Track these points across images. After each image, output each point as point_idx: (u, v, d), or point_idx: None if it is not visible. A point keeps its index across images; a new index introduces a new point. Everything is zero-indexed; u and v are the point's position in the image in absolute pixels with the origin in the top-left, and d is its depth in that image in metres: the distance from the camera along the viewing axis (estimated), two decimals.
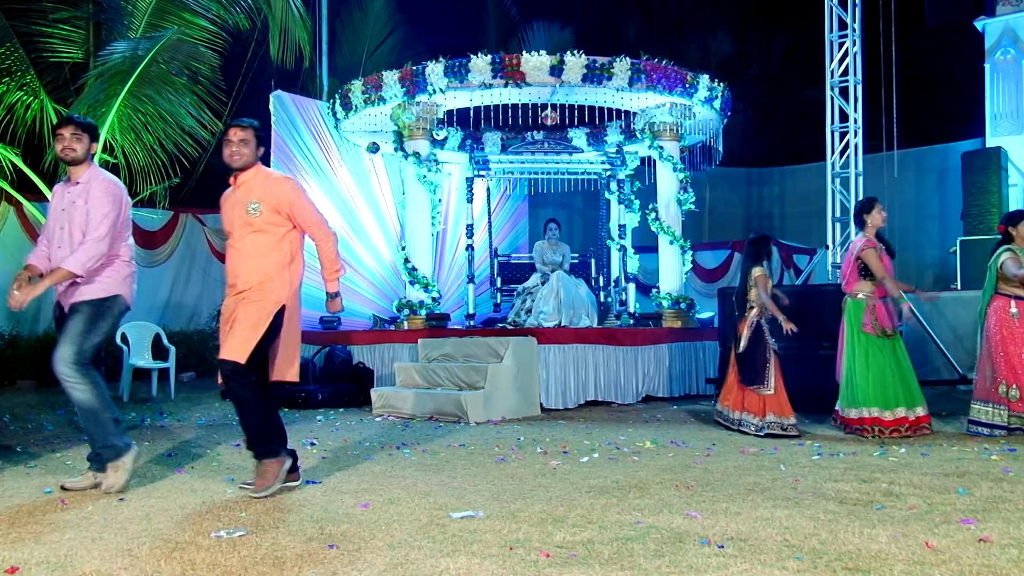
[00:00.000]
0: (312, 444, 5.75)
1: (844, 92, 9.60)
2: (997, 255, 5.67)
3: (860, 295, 5.75)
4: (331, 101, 10.07)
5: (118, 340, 9.08)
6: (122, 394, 8.83)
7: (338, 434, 6.36)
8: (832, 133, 9.64)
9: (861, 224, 5.82)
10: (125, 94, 8.52)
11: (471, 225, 9.77)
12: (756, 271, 5.98)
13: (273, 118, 10.15)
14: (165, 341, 9.42)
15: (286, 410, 8.00)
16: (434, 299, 9.40)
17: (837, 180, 9.66)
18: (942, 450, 5.16)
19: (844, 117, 9.64)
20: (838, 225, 9.71)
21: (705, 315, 10.31)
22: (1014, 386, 5.50)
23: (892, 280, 5.70)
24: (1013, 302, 5.56)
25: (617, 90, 8.78)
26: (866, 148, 9.79)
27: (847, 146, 9.61)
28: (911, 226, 12.58)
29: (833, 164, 9.63)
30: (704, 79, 9.23)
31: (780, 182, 15.07)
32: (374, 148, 10.34)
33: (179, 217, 12.38)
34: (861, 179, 9.48)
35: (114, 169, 8.78)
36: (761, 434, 5.80)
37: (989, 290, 5.68)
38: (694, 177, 10.13)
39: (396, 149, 9.71)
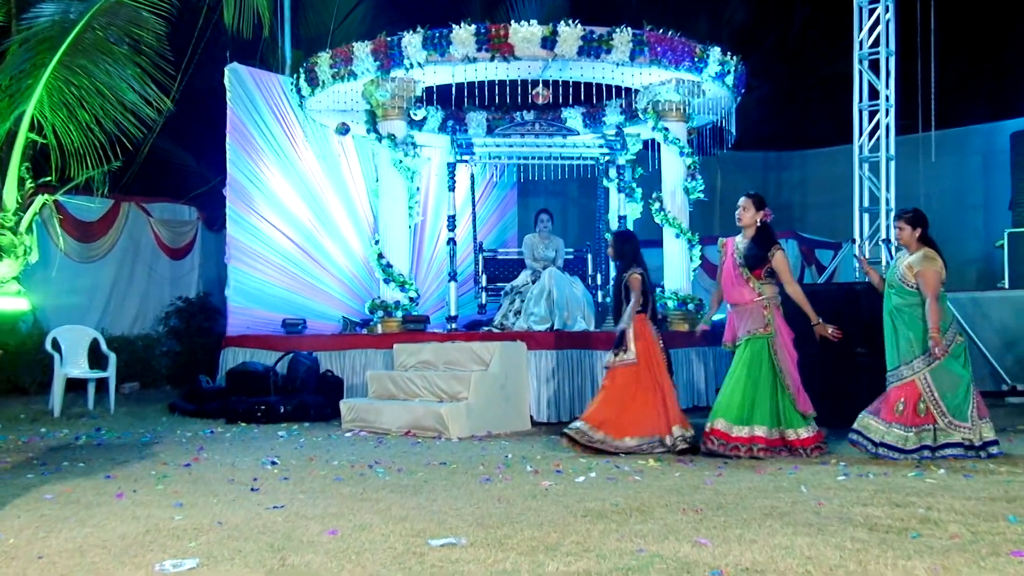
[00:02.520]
0: (273, 463, 5.75)
1: (874, 65, 9.63)
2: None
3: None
4: (295, 76, 10.03)
5: (48, 347, 9.03)
6: (52, 408, 8.78)
7: (302, 452, 6.36)
8: (860, 112, 9.66)
9: None
10: (55, 64, 8.44)
11: (453, 216, 9.77)
12: (635, 274, 6.23)
13: (228, 95, 10.12)
14: (104, 347, 9.37)
15: (243, 425, 7.98)
16: (411, 299, 9.41)
17: (865, 165, 9.69)
18: (988, 472, 5.18)
19: (874, 94, 9.66)
20: (866, 216, 9.72)
21: (718, 316, 10.32)
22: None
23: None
24: None
25: (617, 65, 8.79)
26: (899, 129, 9.81)
27: (877, 127, 9.63)
28: (951, 217, 12.57)
29: (861, 147, 9.65)
30: (715, 52, 9.26)
31: (801, 168, 15.12)
32: (344, 130, 10.31)
33: (120, 206, 12.30)
34: (893, 164, 9.51)
35: (44, 151, 8.72)
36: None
37: None
38: (703, 162, 10.15)
39: (368, 131, 9.70)
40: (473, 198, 10.46)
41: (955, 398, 5.65)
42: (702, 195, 9.78)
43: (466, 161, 9.90)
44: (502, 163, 11.07)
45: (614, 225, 10.13)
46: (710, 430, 5.91)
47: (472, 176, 10.37)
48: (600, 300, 9.88)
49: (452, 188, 9.79)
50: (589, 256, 10.44)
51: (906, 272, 5.80)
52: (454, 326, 9.43)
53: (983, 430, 5.68)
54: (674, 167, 9.74)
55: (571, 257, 10.31)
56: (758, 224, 6.03)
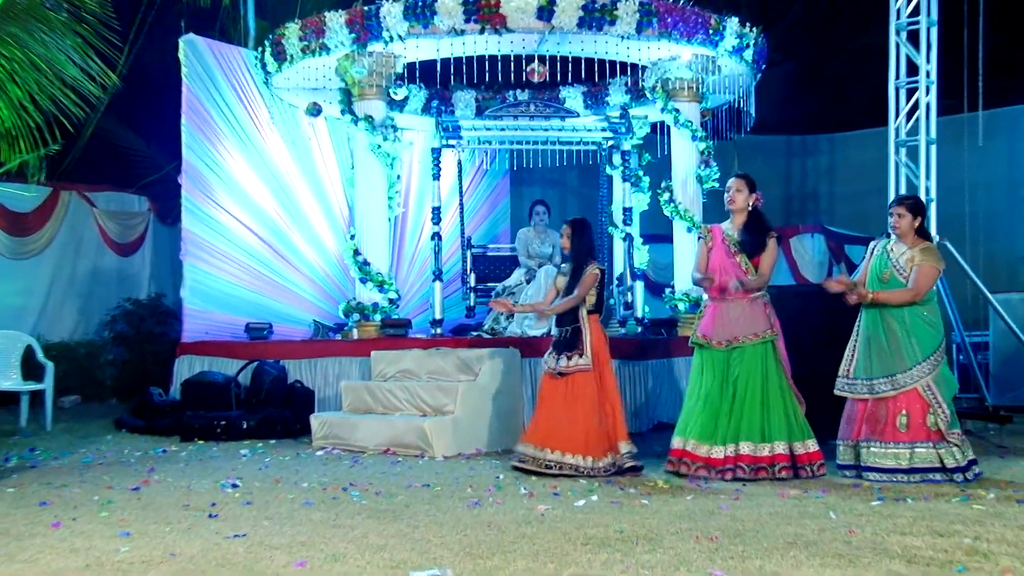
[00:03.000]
0: (234, 486, 5.74)
1: (913, 37, 9.62)
2: None
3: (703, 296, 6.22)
4: (259, 49, 10.03)
5: None
6: None
7: (268, 472, 6.35)
8: (897, 90, 9.66)
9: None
10: None
11: (438, 208, 9.76)
12: (595, 270, 6.28)
13: (184, 70, 10.08)
14: (40, 356, 9.32)
15: (200, 443, 7.97)
16: (391, 301, 9.41)
17: (903, 150, 9.69)
18: None
19: (913, 69, 9.65)
20: None
21: None
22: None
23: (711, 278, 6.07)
24: None
25: (622, 38, 8.79)
26: (941, 109, 9.78)
27: (916, 106, 9.61)
28: (1002, 208, 12.54)
29: (898, 130, 9.64)
30: (732, 24, 9.28)
31: (829, 153, 15.15)
32: (315, 110, 10.29)
33: (60, 196, 12.24)
34: (934, 148, 9.51)
35: None
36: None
37: None
38: (719, 148, 10.15)
39: (343, 112, 9.70)
40: (460, 188, 10.46)
41: (950, 407, 5.82)
42: (717, 184, 9.76)
43: (452, 146, 9.89)
44: (493, 148, 11.06)
45: (618, 218, 10.13)
46: (735, 455, 5.87)
47: (459, 163, 10.37)
48: (604, 301, 9.89)
49: (437, 176, 9.77)
50: None
51: (907, 265, 5.90)
52: (439, 331, 9.43)
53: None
54: (686, 153, 9.75)
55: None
56: (749, 209, 6.14)
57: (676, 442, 6.05)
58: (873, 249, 6.12)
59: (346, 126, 9.83)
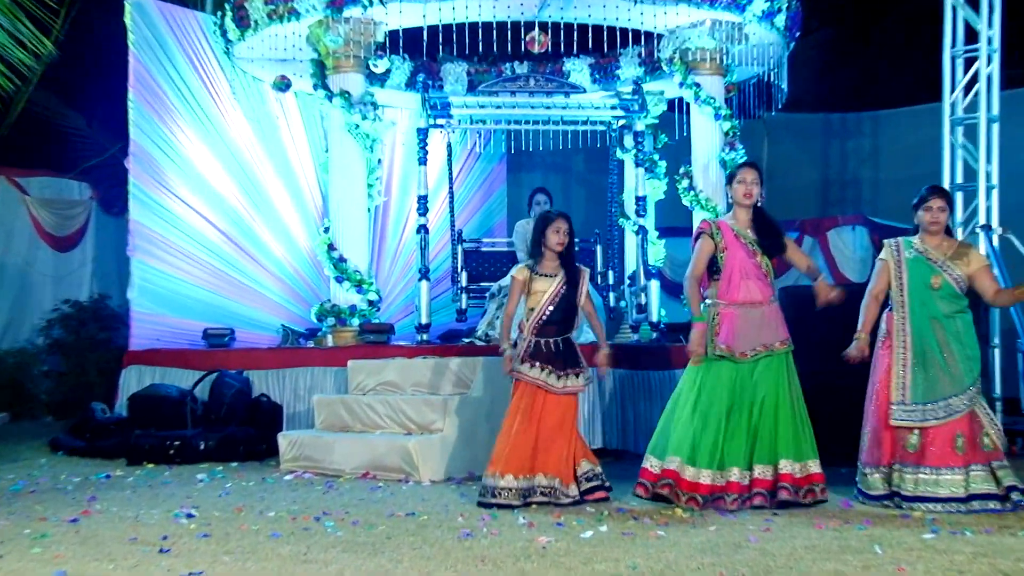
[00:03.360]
0: (189, 516, 5.73)
1: None
2: None
3: (707, 301, 6.20)
4: (219, 14, 10.01)
5: None
6: None
7: (228, 500, 6.34)
8: (953, 60, 9.63)
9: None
10: None
11: (424, 197, 9.74)
12: (514, 268, 6.39)
13: (131, 36, 10.07)
14: None
15: (150, 466, 7.97)
16: (371, 303, 9.42)
17: (959, 129, 9.66)
18: None
19: (972, 36, 9.60)
20: (960, 195, 9.72)
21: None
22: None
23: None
24: (886, 315, 6.10)
25: (635, 2, 8.82)
26: (1004, 81, 9.75)
27: (975, 79, 9.57)
28: None
29: (953, 106, 9.62)
30: None
31: (872, 134, 15.14)
32: (283, 85, 10.28)
33: None
34: (996, 128, 9.47)
35: None
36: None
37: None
38: (745, 127, 10.16)
39: (316, 86, 9.70)
40: (450, 174, 10.47)
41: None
42: None
43: (441, 126, 9.86)
44: (487, 129, 11.03)
45: (631, 208, 10.13)
46: (774, 476, 5.92)
47: (449, 146, 10.36)
48: (613, 304, 9.89)
49: (423, 161, 9.76)
50: (599, 248, 10.45)
51: (968, 269, 6.00)
52: (426, 337, 9.42)
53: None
54: (708, 134, 9.77)
55: (576, 249, 10.26)
56: (756, 204, 6.28)
57: (673, 463, 5.96)
58: (895, 255, 6.11)
59: (319, 103, 9.81)
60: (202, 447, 8.22)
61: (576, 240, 10.28)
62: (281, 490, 6.80)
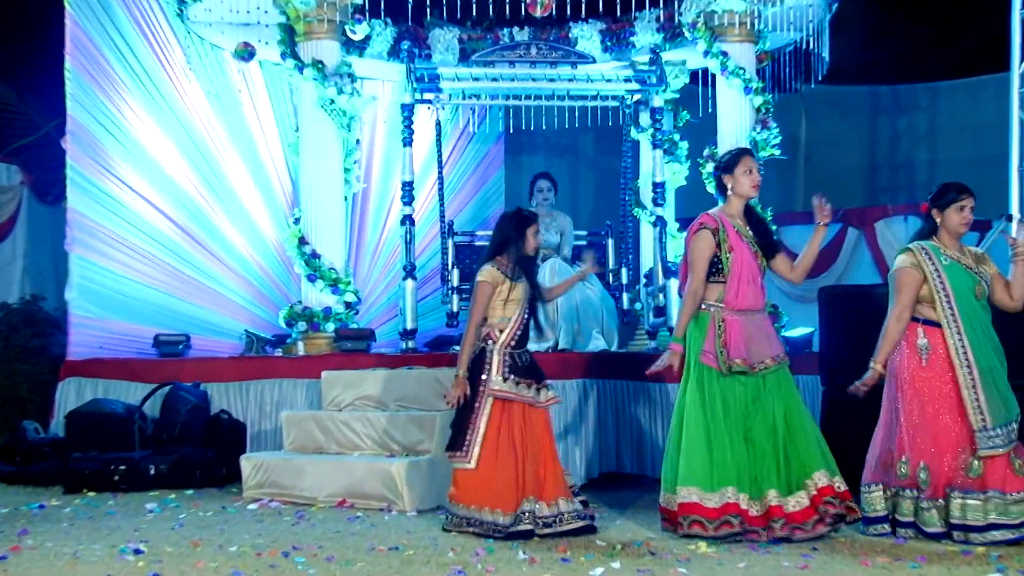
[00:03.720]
0: (138, 552, 5.70)
1: None
2: (895, 259, 6.30)
3: (703, 306, 6.21)
4: None
5: None
6: None
7: (183, 533, 6.34)
8: (1022, 23, 9.65)
9: (722, 192, 6.41)
10: None
11: (410, 183, 9.75)
12: (483, 272, 6.46)
13: None
14: None
15: (91, 494, 7.96)
16: (348, 305, 9.45)
17: None
18: None
19: None
20: None
21: (798, 332, 10.35)
22: (920, 463, 5.99)
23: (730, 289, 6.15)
24: (920, 328, 6.09)
25: None
26: None
27: None
28: None
29: (1023, 76, 9.64)
30: None
31: (929, 109, 15.13)
32: (247, 53, 10.27)
33: None
34: None
35: None
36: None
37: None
38: (781, 103, 10.16)
39: (284, 55, 9.72)
40: (439, 157, 10.45)
41: None
42: (778, 151, 9.82)
43: (429, 102, 9.90)
44: (482, 105, 11.03)
45: (647, 197, 10.12)
46: (815, 494, 5.98)
47: (438, 124, 10.36)
48: (627, 307, 9.88)
49: (408, 142, 9.78)
50: (611, 242, 10.47)
51: (989, 270, 6.17)
52: (412, 344, 9.45)
53: None
54: (736, 110, 9.80)
55: (584, 244, 10.29)
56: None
57: (728, 495, 5.96)
58: (930, 263, 6.09)
59: (288, 74, 9.82)
60: (152, 472, 8.24)
61: (582, 232, 10.42)
62: (244, 521, 6.79)
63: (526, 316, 6.42)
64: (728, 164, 6.37)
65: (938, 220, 6.16)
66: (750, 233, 6.27)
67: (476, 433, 6.25)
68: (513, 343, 6.36)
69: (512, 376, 6.30)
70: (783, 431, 6.04)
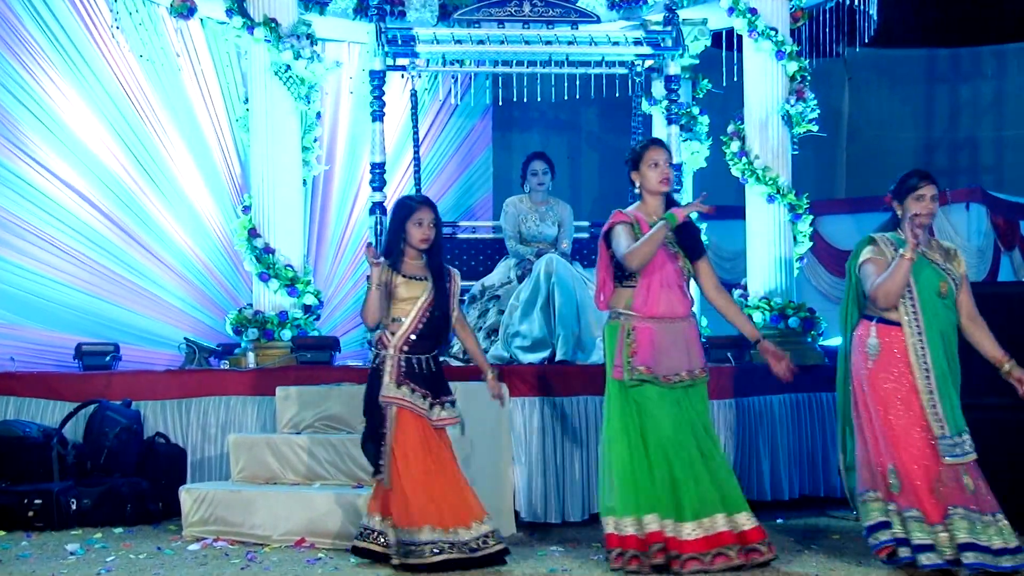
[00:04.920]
0: None
1: None
2: (857, 251, 6.48)
3: (612, 315, 6.52)
4: None
5: None
6: None
7: None
8: None
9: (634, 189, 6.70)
10: None
11: (380, 165, 9.77)
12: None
13: None
14: None
15: (2, 534, 7.94)
16: (308, 309, 9.46)
17: None
18: None
19: None
20: None
21: (838, 341, 10.43)
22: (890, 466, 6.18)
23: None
24: (874, 327, 6.31)
25: None
26: None
27: None
28: None
29: None
30: None
31: (997, 76, 15.13)
32: (185, 9, 10.30)
33: None
34: None
35: None
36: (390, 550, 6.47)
37: (852, 309, 6.53)
38: (819, 69, 10.20)
39: (231, 12, 9.69)
40: (415, 134, 10.44)
41: None
42: (816, 127, 9.87)
43: (403, 68, 9.89)
44: (466, 73, 11.06)
45: None
46: (646, 536, 6.20)
47: (413, 95, 10.33)
48: None
49: (379, 116, 9.80)
50: None
51: (958, 268, 6.30)
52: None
53: None
54: (767, 78, 9.83)
55: (586, 236, 10.29)
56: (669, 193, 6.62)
57: (650, 523, 6.21)
58: (885, 252, 6.27)
59: (235, 35, 9.78)
60: (74, 507, 8.16)
61: (583, 223, 10.45)
62: (184, 565, 6.75)
63: (422, 322, 6.52)
64: (634, 159, 6.58)
65: (899, 212, 6.33)
66: (670, 234, 6.39)
67: (387, 447, 6.45)
68: (407, 347, 6.48)
69: (408, 382, 6.43)
70: (710, 448, 6.37)
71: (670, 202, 6.55)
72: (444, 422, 6.55)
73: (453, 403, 6.60)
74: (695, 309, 6.69)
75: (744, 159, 9.79)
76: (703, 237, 10.10)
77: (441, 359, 6.72)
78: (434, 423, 6.48)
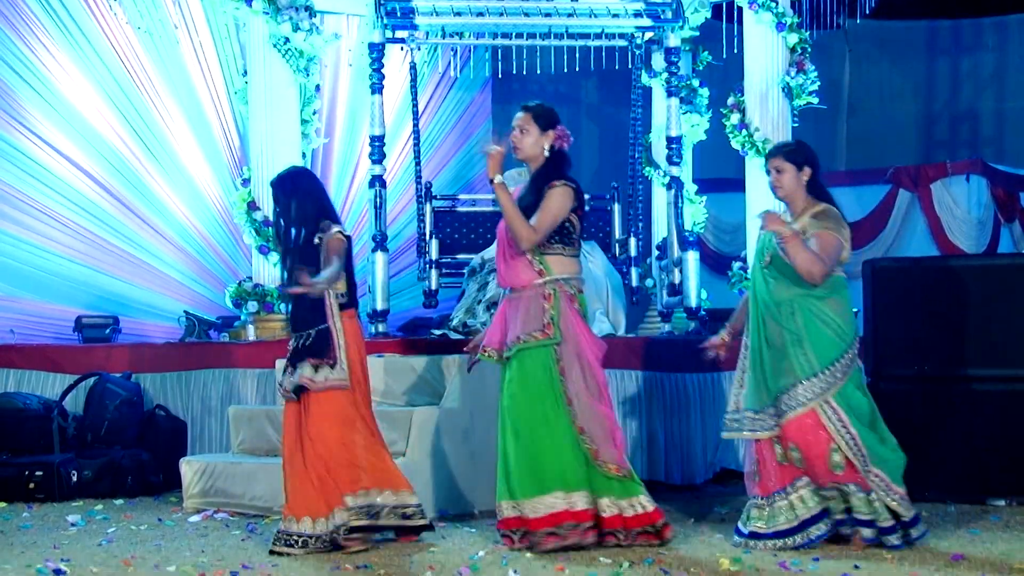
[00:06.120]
0: (58, 573, 5.67)
1: None
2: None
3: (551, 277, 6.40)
4: None
5: None
6: None
7: (112, 550, 6.31)
8: None
9: None
10: None
11: (380, 138, 9.74)
12: (338, 234, 6.49)
13: None
14: None
15: (3, 505, 7.93)
16: None
17: None
18: None
19: None
20: None
21: None
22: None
23: None
24: None
25: None
26: None
27: None
28: None
29: None
30: None
31: (999, 47, 15.06)
32: None
33: None
34: None
35: None
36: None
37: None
38: (820, 41, 10.17)
39: None
40: (415, 107, 10.45)
41: (870, 438, 6.09)
42: (816, 99, 9.85)
43: (403, 41, 9.87)
44: (465, 45, 11.02)
45: (660, 154, 10.14)
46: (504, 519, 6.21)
47: (413, 67, 10.34)
48: (637, 283, 9.91)
49: (378, 89, 9.77)
50: (616, 208, 10.46)
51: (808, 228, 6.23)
52: (383, 328, 9.45)
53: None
54: (767, 50, 9.77)
55: (587, 209, 10.30)
56: (547, 154, 6.32)
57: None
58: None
59: (234, 7, 9.73)
60: (75, 478, 8.20)
61: (587, 197, 10.41)
62: (184, 536, 6.75)
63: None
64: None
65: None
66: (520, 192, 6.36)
67: None
68: (288, 325, 6.54)
69: (286, 363, 6.42)
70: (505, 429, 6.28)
71: (553, 163, 6.32)
72: (315, 383, 6.29)
73: (318, 368, 6.27)
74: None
75: (744, 131, 9.73)
76: (702, 210, 10.24)
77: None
78: (295, 383, 6.30)
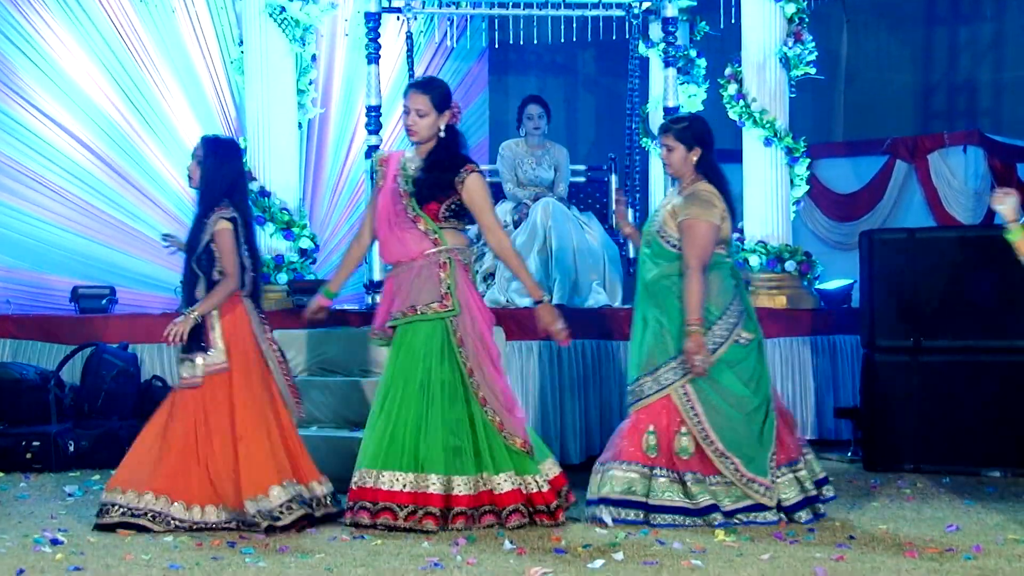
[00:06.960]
0: (55, 543, 5.68)
1: None
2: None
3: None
4: None
5: None
6: None
7: None
8: None
9: None
10: None
11: (376, 108, 9.73)
12: (221, 223, 6.25)
13: None
14: None
15: (0, 474, 7.95)
16: (304, 252, 9.44)
17: None
18: None
19: None
20: None
21: (835, 284, 10.45)
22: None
23: None
24: None
25: None
26: None
27: None
28: None
29: None
30: None
31: (996, 18, 14.97)
32: None
33: None
34: None
35: None
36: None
37: None
38: (817, 11, 10.12)
39: None
40: (411, 77, 10.33)
41: (734, 433, 6.09)
42: (813, 70, 9.82)
43: (399, 10, 9.84)
44: (462, 15, 10.97)
45: (657, 124, 10.10)
46: (356, 489, 6.14)
47: (409, 37, 10.33)
48: (633, 255, 9.88)
49: (374, 59, 9.74)
50: (613, 178, 10.45)
51: (667, 221, 6.26)
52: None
53: (782, 488, 6.16)
54: (764, 21, 9.74)
55: (582, 180, 10.27)
56: (441, 131, 6.27)
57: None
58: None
59: None
60: (72, 449, 8.21)
61: (580, 167, 10.40)
62: None
63: (185, 271, 6.41)
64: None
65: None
66: (410, 170, 6.28)
67: None
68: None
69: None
70: (380, 403, 6.25)
71: (448, 143, 6.29)
72: (193, 376, 6.26)
73: (193, 357, 6.25)
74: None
75: (741, 102, 9.73)
76: None
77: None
78: (190, 378, 6.27)
